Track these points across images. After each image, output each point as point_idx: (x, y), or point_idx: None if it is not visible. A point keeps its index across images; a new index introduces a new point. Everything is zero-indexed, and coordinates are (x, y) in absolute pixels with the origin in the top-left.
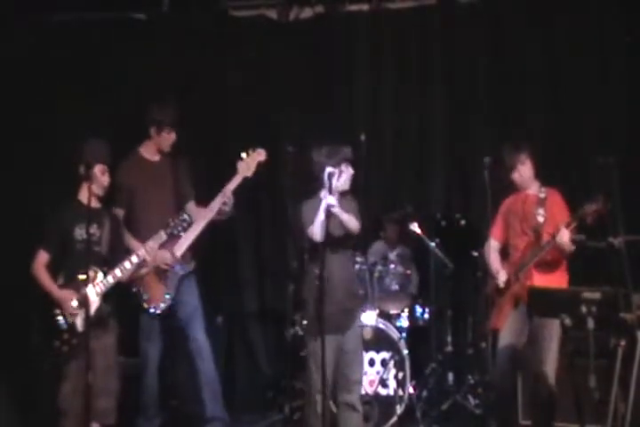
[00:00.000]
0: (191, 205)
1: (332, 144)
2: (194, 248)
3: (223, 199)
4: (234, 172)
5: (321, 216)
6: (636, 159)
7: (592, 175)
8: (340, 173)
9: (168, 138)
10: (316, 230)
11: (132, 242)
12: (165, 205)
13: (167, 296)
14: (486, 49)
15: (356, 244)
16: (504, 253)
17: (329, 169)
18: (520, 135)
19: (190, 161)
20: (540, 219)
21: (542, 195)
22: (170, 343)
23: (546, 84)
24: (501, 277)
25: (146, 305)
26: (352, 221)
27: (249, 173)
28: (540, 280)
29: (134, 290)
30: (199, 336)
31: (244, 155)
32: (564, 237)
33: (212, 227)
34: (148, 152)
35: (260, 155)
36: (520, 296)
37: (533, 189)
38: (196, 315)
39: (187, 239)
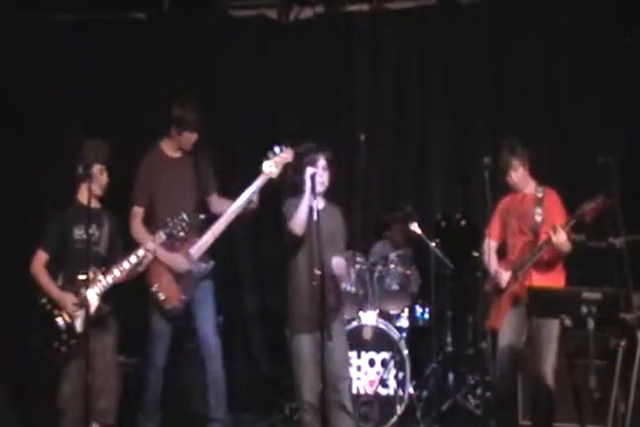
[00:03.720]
0: (214, 198)
1: (311, 142)
2: (212, 248)
3: (248, 199)
4: (232, 171)
5: (302, 211)
6: (636, 159)
7: (592, 175)
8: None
9: (189, 138)
10: (296, 223)
11: (145, 238)
12: (187, 202)
13: (183, 297)
14: (486, 49)
15: (351, 244)
16: (501, 252)
17: (310, 170)
18: (520, 135)
19: (211, 155)
20: (538, 218)
21: (539, 194)
22: (177, 343)
23: (546, 84)
24: (503, 276)
25: (163, 305)
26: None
27: (275, 174)
28: (538, 279)
29: (152, 290)
30: (210, 336)
31: (270, 154)
32: (561, 237)
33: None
34: (170, 148)
35: (288, 155)
36: (519, 296)
37: (530, 188)
38: (209, 315)
39: (207, 239)
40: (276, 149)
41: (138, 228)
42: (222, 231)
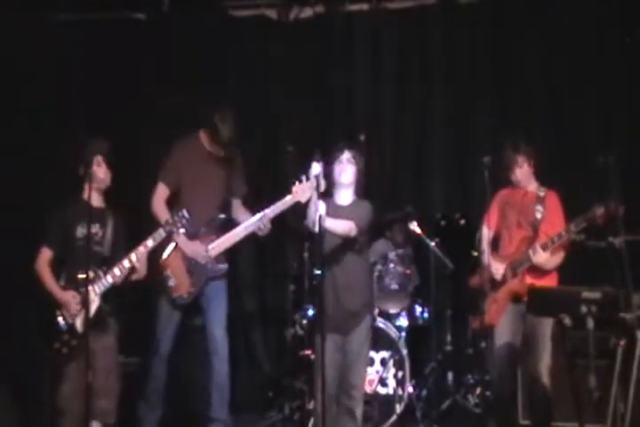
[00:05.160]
0: (237, 203)
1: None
2: (229, 251)
3: (271, 216)
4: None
5: (313, 209)
6: (636, 159)
7: (592, 175)
8: (331, 170)
9: (218, 151)
10: (310, 221)
11: (165, 218)
12: (213, 198)
13: (192, 289)
14: (486, 49)
15: (365, 246)
16: (494, 245)
17: (316, 169)
18: (520, 135)
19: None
20: (538, 215)
21: (541, 193)
22: (186, 339)
23: (546, 84)
24: (498, 267)
25: (170, 292)
26: (337, 226)
27: (303, 199)
28: (531, 281)
29: (163, 274)
30: (218, 335)
31: (303, 178)
32: (540, 258)
33: None
34: (207, 141)
35: (315, 183)
36: (518, 293)
37: (532, 187)
38: (219, 314)
39: (226, 242)
40: (310, 175)
41: (159, 205)
42: (241, 239)
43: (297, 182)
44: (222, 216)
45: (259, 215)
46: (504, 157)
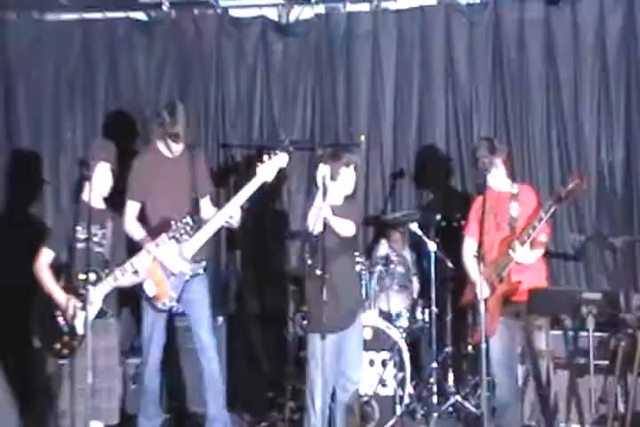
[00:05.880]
0: (206, 202)
1: (337, 146)
2: (205, 248)
3: (239, 203)
4: (233, 171)
5: (314, 210)
6: (635, 159)
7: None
8: (337, 175)
9: (175, 147)
10: (311, 221)
11: (141, 236)
12: (182, 202)
13: (172, 295)
14: (486, 49)
15: (357, 245)
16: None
17: (323, 171)
18: (493, 136)
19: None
20: (514, 213)
21: (514, 190)
22: (174, 342)
23: (546, 84)
24: (479, 288)
25: (153, 301)
26: (343, 226)
27: (269, 178)
28: (518, 277)
29: (143, 285)
30: (205, 335)
31: (265, 158)
32: (522, 254)
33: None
34: (165, 147)
35: (282, 159)
36: (507, 294)
37: (505, 186)
38: (202, 314)
39: (198, 240)
40: (272, 153)
41: (131, 222)
42: (215, 232)
43: (260, 163)
44: (195, 217)
45: (227, 205)
46: (481, 160)
